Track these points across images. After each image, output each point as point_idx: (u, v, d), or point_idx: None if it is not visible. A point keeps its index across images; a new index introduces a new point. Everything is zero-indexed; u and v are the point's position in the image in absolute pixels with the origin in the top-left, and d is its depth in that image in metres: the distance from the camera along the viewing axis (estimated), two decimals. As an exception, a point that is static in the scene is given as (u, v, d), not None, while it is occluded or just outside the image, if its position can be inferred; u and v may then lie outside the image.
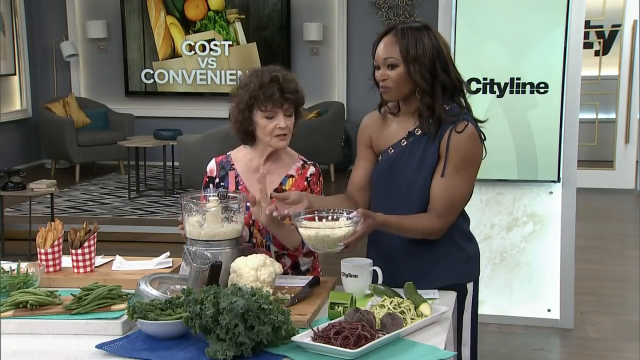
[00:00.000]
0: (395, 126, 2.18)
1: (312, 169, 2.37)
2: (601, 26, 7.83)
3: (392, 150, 2.17)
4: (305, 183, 2.34)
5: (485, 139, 2.14)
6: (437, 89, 2.07)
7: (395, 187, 2.14)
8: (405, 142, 2.15)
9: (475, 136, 2.09)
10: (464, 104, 2.14)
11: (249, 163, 2.38)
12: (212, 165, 2.43)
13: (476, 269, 2.26)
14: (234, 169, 2.39)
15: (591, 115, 7.77)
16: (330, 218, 2.01)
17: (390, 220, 2.05)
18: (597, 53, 7.84)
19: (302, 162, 2.38)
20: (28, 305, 1.84)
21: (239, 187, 2.36)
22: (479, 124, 2.13)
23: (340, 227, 1.94)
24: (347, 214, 2.00)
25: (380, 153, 2.21)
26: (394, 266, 2.14)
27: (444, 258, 2.16)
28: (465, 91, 2.13)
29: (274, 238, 2.30)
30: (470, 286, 2.21)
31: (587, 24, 7.33)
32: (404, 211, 2.10)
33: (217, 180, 2.40)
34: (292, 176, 2.35)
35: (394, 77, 2.07)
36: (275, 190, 2.32)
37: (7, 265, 2.13)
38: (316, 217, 2.01)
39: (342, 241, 1.93)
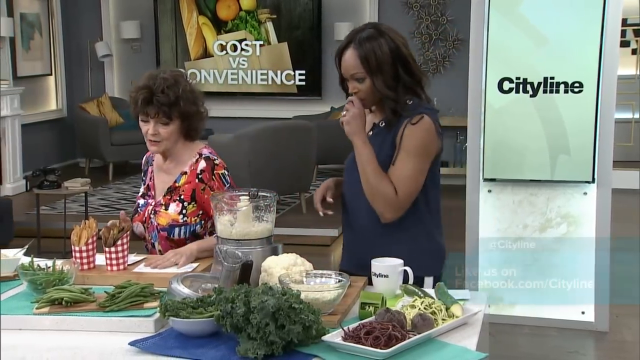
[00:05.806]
0: (367, 119, 2.26)
1: (202, 164, 2.33)
2: (639, 24, 7.68)
3: None
4: (197, 180, 2.32)
5: (441, 133, 2.20)
6: (400, 93, 2.15)
7: (359, 176, 2.20)
8: (371, 134, 2.23)
9: (429, 128, 2.15)
10: (424, 97, 2.21)
11: (158, 161, 2.44)
12: (143, 158, 2.54)
13: (439, 264, 2.29)
14: (152, 165, 2.46)
15: (627, 115, 7.64)
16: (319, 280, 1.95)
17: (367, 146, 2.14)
18: (634, 52, 7.71)
19: (196, 157, 2.35)
20: (63, 302, 1.87)
21: (149, 183, 2.42)
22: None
23: (328, 290, 1.86)
24: (337, 275, 1.94)
25: None
26: (364, 245, 2.20)
27: (412, 244, 2.19)
28: (424, 84, 2.20)
29: (159, 239, 2.34)
30: (429, 281, 2.21)
31: (624, 22, 7.18)
32: (366, 200, 2.16)
33: (142, 173, 2.51)
34: (185, 173, 2.35)
35: (364, 89, 2.17)
36: (169, 188, 2.34)
37: (43, 262, 2.16)
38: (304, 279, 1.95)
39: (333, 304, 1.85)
